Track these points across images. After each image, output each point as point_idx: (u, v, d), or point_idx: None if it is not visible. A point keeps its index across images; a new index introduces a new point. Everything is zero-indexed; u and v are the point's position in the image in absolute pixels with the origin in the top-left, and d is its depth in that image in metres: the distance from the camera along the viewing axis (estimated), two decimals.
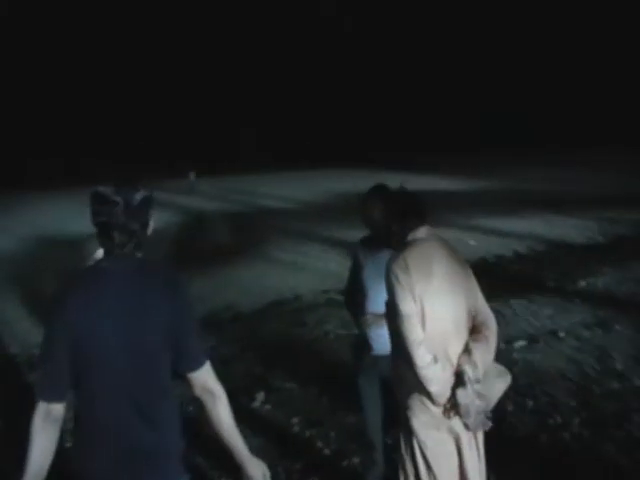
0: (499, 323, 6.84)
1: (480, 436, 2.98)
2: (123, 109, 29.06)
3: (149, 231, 2.35)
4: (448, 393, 2.83)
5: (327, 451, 4.73)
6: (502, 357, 6.08)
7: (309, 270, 9.88)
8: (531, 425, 4.84)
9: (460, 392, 2.81)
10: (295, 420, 5.20)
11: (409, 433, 2.90)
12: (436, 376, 2.80)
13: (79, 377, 2.21)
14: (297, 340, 6.99)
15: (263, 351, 6.73)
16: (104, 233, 2.25)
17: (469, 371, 2.83)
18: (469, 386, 2.82)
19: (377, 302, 3.34)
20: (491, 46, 28.42)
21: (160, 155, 27.01)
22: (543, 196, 15.26)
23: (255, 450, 4.64)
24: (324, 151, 26.60)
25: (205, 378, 2.35)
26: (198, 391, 2.36)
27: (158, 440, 2.28)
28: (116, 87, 29.20)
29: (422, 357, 2.78)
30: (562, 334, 6.61)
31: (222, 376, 6.08)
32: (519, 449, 4.48)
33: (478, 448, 2.98)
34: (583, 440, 4.59)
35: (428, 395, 2.83)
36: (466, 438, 2.91)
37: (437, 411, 2.89)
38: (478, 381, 2.86)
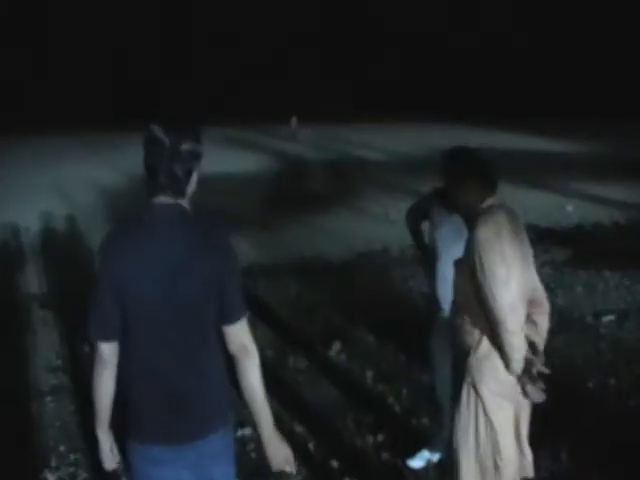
0: (589, 294, 6.73)
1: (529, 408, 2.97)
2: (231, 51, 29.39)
3: (193, 181, 2.24)
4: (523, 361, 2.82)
5: (397, 408, 4.77)
6: (589, 331, 5.98)
7: (401, 224, 9.82)
8: (612, 406, 4.68)
9: (535, 359, 2.81)
10: (369, 373, 5.26)
11: (475, 399, 2.90)
12: (521, 343, 2.78)
13: (126, 324, 2.23)
14: (381, 294, 7.02)
15: (347, 302, 6.80)
16: (150, 175, 2.19)
17: (538, 341, 2.85)
18: (540, 355, 2.82)
19: (449, 264, 3.31)
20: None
21: (264, 98, 27.22)
22: None
23: (326, 399, 4.85)
24: (432, 104, 26.10)
25: (241, 334, 2.28)
26: (233, 346, 2.29)
27: (200, 389, 2.29)
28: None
29: (514, 323, 2.75)
30: None
31: (304, 323, 6.31)
32: (595, 429, 4.35)
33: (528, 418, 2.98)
34: None
35: (502, 362, 2.82)
36: (526, 408, 2.91)
37: (506, 379, 2.87)
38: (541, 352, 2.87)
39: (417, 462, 4.03)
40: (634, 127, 20.07)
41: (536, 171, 13.98)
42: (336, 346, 5.73)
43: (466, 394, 2.93)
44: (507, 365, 2.83)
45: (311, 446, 4.29)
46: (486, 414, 2.86)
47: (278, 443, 2.39)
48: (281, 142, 19.96)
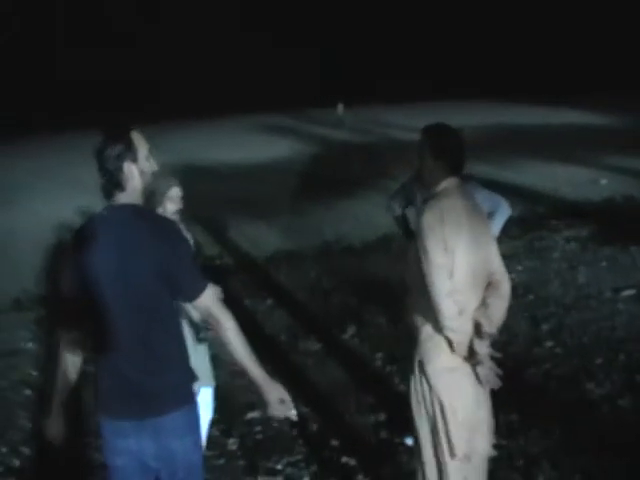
0: (611, 269, 6.66)
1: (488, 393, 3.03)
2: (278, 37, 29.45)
3: (130, 176, 2.47)
4: (467, 343, 2.88)
5: (403, 387, 4.86)
6: (606, 306, 5.95)
7: None
8: (617, 382, 4.67)
9: (477, 342, 2.87)
10: (379, 355, 5.38)
11: (425, 375, 2.99)
12: (460, 327, 2.85)
13: (90, 310, 2.48)
14: (399, 276, 7.08)
15: (365, 284, 6.90)
16: (100, 178, 2.49)
17: (486, 324, 2.87)
18: (485, 338, 2.87)
19: None
20: None
21: (310, 84, 27.26)
22: None
23: (335, 381, 4.98)
24: (473, 82, 25.77)
25: (207, 305, 2.49)
26: (205, 317, 2.56)
27: (155, 369, 2.48)
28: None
29: (450, 308, 2.82)
30: None
31: (321, 307, 6.43)
32: (597, 405, 4.39)
33: (488, 402, 3.04)
34: None
35: (447, 343, 2.90)
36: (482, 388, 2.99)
37: (453, 356, 2.95)
38: (492, 335, 2.90)
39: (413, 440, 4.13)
40: None
41: (571, 145, 13.73)
42: (351, 329, 5.86)
43: (417, 369, 3.03)
44: (451, 347, 2.91)
45: (313, 426, 4.44)
46: (433, 392, 2.95)
47: (273, 384, 2.53)
48: (323, 128, 19.95)
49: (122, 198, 2.48)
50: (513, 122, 18.32)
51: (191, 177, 13.16)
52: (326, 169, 13.66)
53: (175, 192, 3.60)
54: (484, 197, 4.01)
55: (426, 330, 2.96)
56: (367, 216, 9.60)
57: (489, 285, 2.96)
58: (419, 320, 2.99)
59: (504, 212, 4.13)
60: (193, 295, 2.48)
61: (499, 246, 7.29)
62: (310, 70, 28.98)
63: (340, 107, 21.19)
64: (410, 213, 4.18)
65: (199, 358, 3.64)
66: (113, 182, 2.47)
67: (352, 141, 17.44)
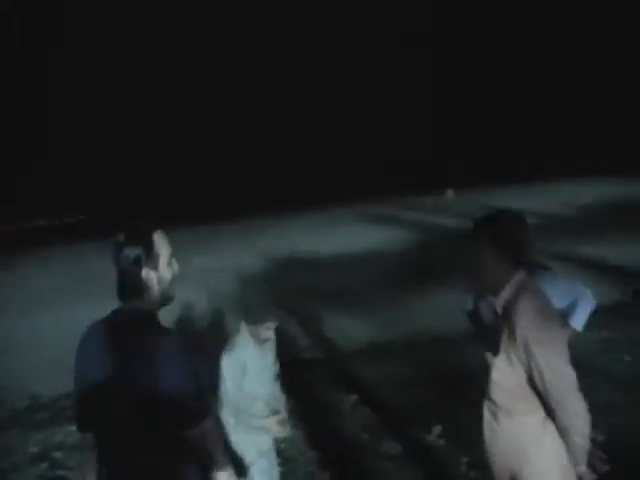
0: None
1: None
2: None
3: (148, 283, 2.34)
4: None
5: None
6: None
7: None
8: None
9: (595, 451, 2.65)
10: (465, 459, 4.96)
11: None
12: (588, 429, 2.53)
13: (97, 416, 2.36)
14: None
15: (457, 379, 6.48)
16: (117, 276, 2.37)
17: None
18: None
19: None
20: None
21: (418, 170, 27.40)
22: None
23: None
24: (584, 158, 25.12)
25: (199, 440, 2.30)
26: (200, 454, 2.32)
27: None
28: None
29: (582, 403, 2.50)
30: None
31: (408, 403, 6.07)
32: None
33: None
34: None
35: (570, 456, 2.58)
36: None
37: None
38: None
39: None
40: None
41: None
42: (437, 429, 5.48)
43: None
44: (577, 459, 2.54)
45: None
46: None
47: None
48: (430, 214, 19.68)
49: (136, 302, 2.36)
50: (622, 197, 17.63)
51: (288, 268, 13.29)
52: (425, 257, 13.36)
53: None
54: (562, 289, 3.69)
55: (546, 447, 2.67)
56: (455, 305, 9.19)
57: None
58: (529, 440, 2.73)
59: (587, 305, 3.77)
60: (182, 427, 2.27)
61: (604, 332, 6.76)
62: (419, 156, 29.13)
63: (450, 192, 21.00)
64: (483, 306, 3.91)
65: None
66: (128, 286, 2.34)
67: (457, 227, 17.07)
